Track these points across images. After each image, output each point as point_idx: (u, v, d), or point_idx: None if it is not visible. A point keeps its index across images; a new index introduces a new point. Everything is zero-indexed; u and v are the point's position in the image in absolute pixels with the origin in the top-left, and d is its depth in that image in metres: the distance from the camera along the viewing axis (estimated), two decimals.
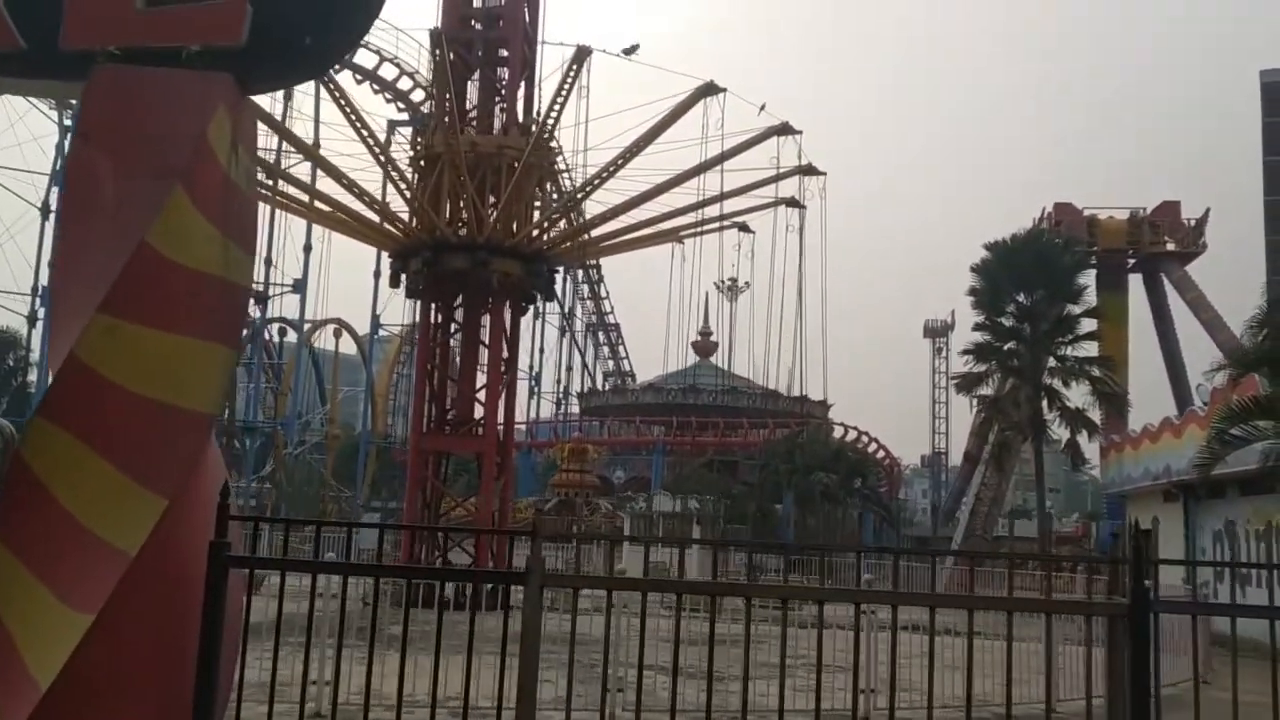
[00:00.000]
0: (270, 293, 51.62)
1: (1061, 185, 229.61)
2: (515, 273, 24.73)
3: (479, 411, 25.45)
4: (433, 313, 26.10)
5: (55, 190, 51.94)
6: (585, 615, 5.56)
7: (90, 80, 5.44)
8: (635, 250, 27.31)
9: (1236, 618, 4.61)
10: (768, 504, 52.15)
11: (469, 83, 26.33)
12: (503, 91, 26.04)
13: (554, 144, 25.68)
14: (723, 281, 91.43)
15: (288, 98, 37.92)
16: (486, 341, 25.79)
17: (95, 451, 5.09)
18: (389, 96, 30.10)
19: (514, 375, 26.63)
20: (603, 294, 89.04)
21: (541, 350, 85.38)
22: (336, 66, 23.98)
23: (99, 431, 5.11)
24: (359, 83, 29.69)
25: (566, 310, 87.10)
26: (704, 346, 78.31)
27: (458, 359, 26.06)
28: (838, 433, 61.50)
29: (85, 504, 5.05)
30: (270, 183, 25.71)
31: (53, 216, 52.36)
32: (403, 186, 24.91)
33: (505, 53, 25.97)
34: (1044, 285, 35.97)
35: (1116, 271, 53.44)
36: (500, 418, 25.57)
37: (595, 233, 26.40)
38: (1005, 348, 36.24)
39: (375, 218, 25.48)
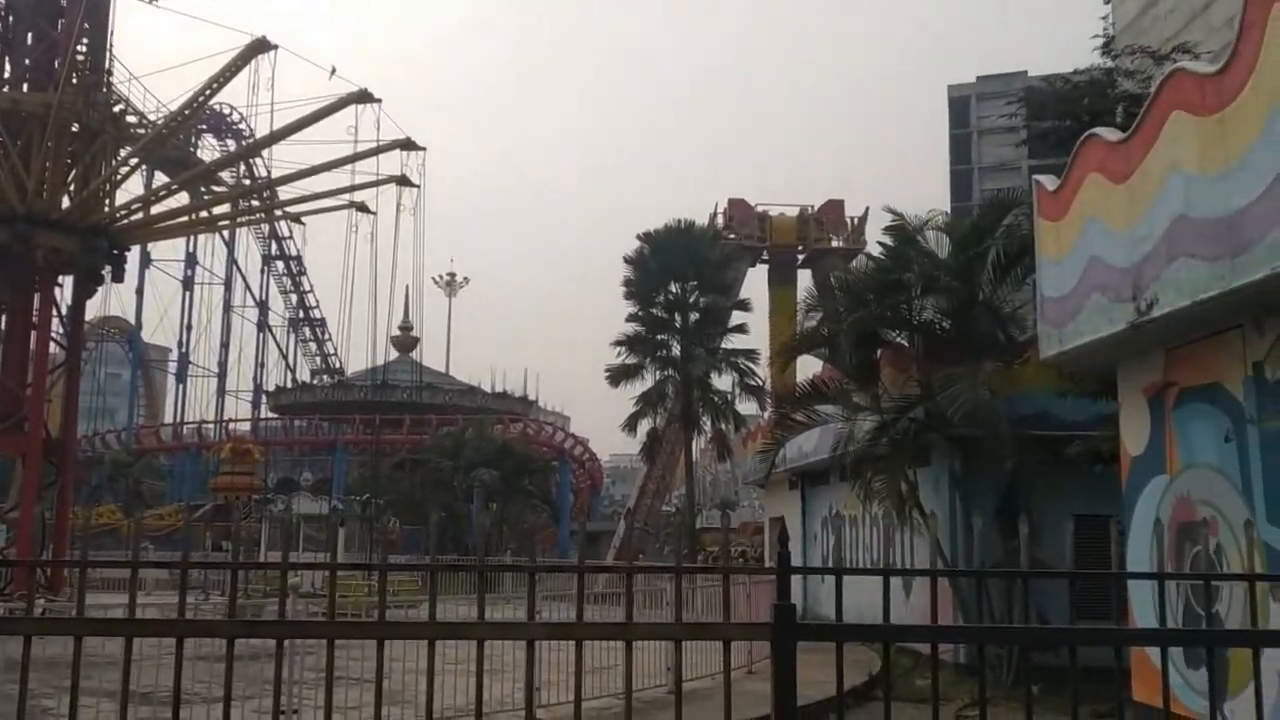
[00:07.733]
0: None
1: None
2: (68, 249, 21.84)
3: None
4: None
5: None
6: None
7: None
8: (230, 228, 24.63)
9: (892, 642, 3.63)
10: (454, 503, 50.32)
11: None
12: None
13: (119, 106, 22.86)
14: (441, 276, 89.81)
15: None
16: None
17: None
18: None
19: (76, 364, 23.55)
20: (306, 287, 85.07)
21: (226, 345, 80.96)
22: None
23: None
24: None
25: (260, 301, 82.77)
26: (404, 341, 75.76)
27: None
28: (527, 429, 60.41)
29: None
30: None
31: None
32: None
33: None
34: (695, 277, 36.08)
35: (787, 267, 54.88)
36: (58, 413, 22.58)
37: (172, 205, 23.75)
38: (657, 338, 36.14)
39: None
